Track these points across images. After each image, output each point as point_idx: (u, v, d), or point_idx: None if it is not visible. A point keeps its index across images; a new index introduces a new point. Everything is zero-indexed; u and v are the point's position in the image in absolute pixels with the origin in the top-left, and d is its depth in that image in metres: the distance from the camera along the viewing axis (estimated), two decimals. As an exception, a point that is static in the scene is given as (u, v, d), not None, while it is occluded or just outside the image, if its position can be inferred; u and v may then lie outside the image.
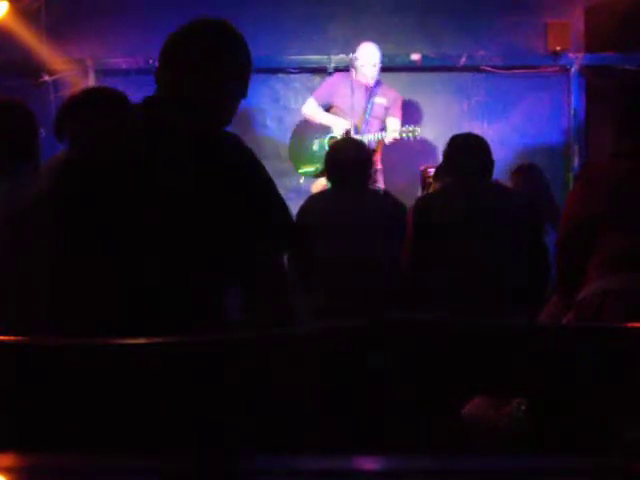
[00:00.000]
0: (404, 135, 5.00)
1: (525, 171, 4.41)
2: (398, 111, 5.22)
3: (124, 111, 2.23)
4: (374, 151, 4.96)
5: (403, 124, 5.12)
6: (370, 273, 3.11)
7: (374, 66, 5.06)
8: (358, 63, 5.09)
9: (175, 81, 1.75)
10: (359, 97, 5.07)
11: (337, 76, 5.36)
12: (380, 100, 5.15)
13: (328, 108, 5.24)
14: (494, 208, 3.11)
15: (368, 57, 5.07)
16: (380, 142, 5.06)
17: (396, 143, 5.03)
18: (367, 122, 5.09)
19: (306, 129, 5.32)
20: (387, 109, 5.17)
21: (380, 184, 5.07)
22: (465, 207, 3.09)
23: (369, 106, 5.10)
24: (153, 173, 1.61)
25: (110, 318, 1.55)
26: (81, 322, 1.57)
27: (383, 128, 5.12)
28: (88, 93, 2.47)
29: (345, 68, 5.29)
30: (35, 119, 2.43)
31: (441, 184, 3.53)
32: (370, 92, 5.10)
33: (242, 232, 1.62)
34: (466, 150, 3.24)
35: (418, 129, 5.01)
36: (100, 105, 2.29)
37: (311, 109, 5.27)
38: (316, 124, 5.23)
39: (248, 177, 1.67)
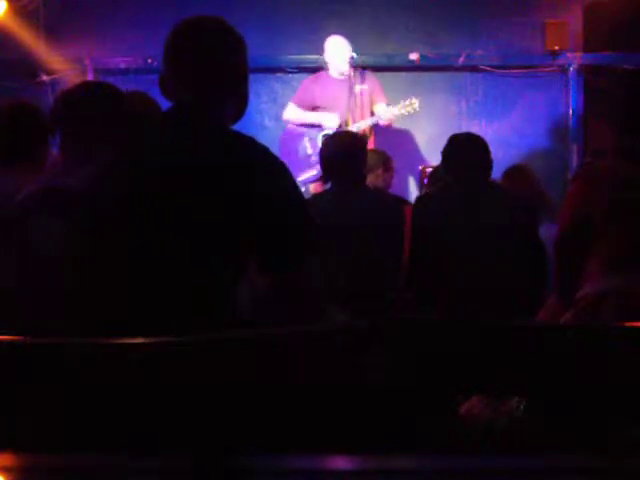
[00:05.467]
0: (404, 111, 4.93)
1: (516, 172, 4.40)
2: (382, 94, 5.15)
3: (121, 106, 2.24)
4: (367, 137, 4.87)
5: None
6: (370, 273, 3.10)
7: (342, 58, 5.00)
8: (327, 58, 5.09)
9: (186, 87, 1.74)
10: (339, 91, 5.01)
11: (312, 77, 5.31)
12: (361, 87, 5.08)
13: (313, 109, 5.17)
14: (492, 208, 3.12)
15: (334, 50, 5.05)
16: (372, 127, 5.00)
17: (392, 141, 5.00)
18: (354, 112, 5.00)
19: (293, 136, 5.26)
20: (370, 94, 5.10)
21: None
22: (464, 207, 3.10)
23: (352, 97, 5.01)
24: (179, 175, 1.61)
25: (128, 318, 1.55)
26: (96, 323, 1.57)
27: (372, 115, 5.05)
28: (84, 87, 2.46)
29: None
30: (43, 120, 2.42)
31: (440, 184, 3.54)
32: (349, 83, 5.01)
33: (271, 231, 1.61)
34: (465, 150, 3.24)
35: (415, 101, 4.92)
36: (96, 99, 2.28)
37: (294, 112, 5.23)
38: (302, 126, 5.17)
39: (271, 176, 1.66)
